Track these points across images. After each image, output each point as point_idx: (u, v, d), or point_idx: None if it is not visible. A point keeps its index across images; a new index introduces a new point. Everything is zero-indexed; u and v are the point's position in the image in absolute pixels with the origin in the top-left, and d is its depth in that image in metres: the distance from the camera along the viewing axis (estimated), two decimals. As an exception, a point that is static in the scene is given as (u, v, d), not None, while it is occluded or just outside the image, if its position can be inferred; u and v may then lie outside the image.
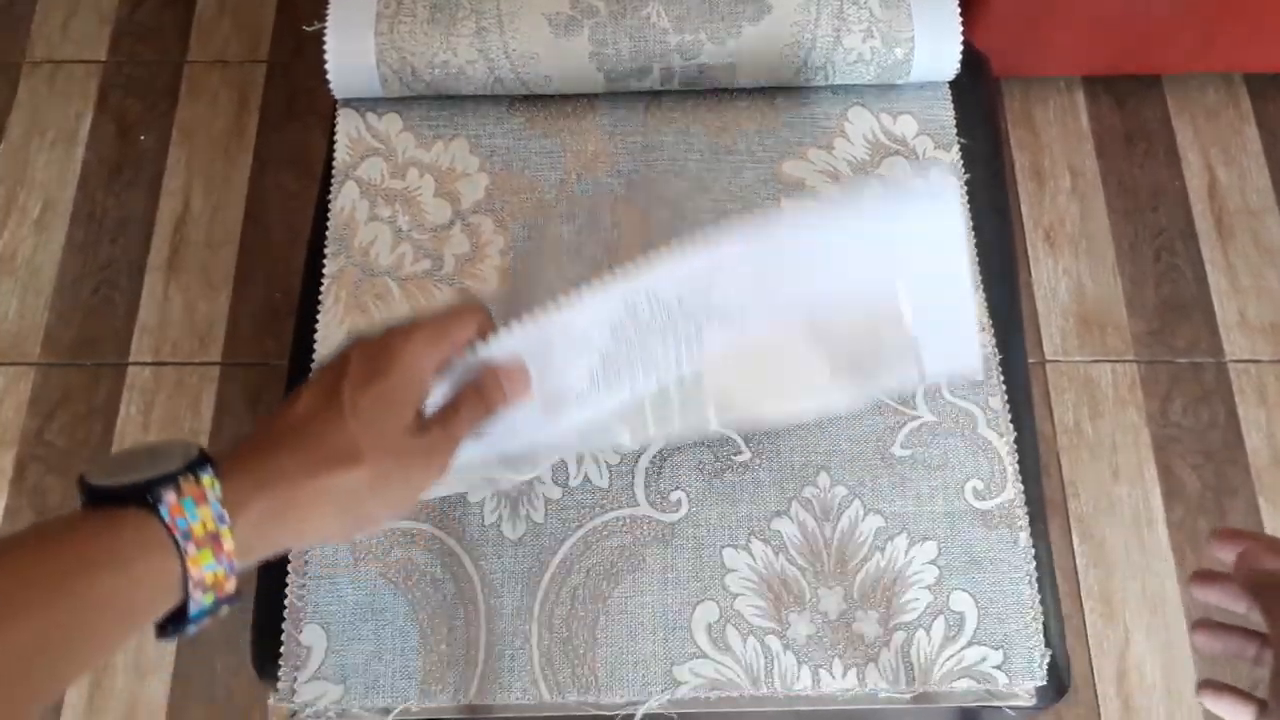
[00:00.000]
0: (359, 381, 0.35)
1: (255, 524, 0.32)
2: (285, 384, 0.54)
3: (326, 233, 0.53)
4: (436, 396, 0.38)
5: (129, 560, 0.29)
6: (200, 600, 0.31)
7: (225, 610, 0.33)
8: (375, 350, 0.36)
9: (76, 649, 0.29)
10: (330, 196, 0.54)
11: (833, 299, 0.41)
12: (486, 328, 0.38)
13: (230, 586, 0.32)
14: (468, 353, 0.38)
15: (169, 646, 0.88)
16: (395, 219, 0.53)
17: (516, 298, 0.46)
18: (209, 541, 0.31)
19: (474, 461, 0.40)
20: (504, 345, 0.38)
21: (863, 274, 0.41)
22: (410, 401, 0.36)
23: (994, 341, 0.51)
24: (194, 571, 0.30)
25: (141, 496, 0.30)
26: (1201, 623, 0.39)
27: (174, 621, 0.31)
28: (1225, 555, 0.37)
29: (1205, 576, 0.38)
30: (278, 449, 0.34)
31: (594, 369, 0.39)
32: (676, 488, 0.48)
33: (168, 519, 0.30)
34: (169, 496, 0.30)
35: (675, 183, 0.54)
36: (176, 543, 0.30)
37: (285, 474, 0.33)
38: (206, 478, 0.31)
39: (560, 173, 0.54)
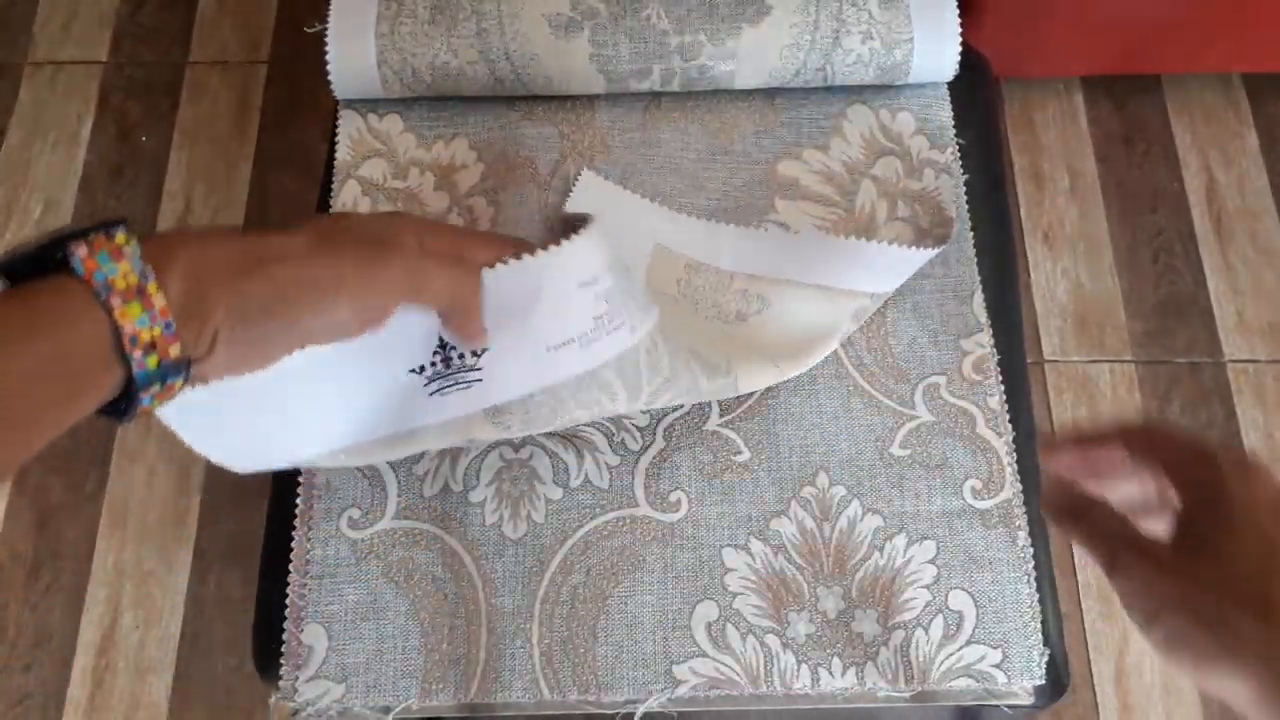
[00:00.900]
0: (334, 217, 0.36)
1: (184, 279, 0.30)
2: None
3: None
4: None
5: (55, 322, 0.28)
6: (143, 362, 0.29)
7: (181, 384, 0.31)
8: None
9: (20, 424, 0.28)
10: (331, 196, 0.54)
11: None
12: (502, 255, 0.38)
13: (174, 351, 0.30)
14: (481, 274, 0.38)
15: (170, 646, 0.88)
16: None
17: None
18: (135, 295, 0.29)
19: (459, 413, 0.40)
20: (513, 274, 0.38)
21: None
22: (375, 237, 0.35)
23: (992, 341, 0.51)
24: (125, 325, 0.29)
25: (51, 258, 0.29)
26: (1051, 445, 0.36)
27: (127, 397, 0.30)
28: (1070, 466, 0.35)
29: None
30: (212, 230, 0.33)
31: (600, 313, 0.40)
32: (676, 488, 0.48)
33: (81, 272, 0.28)
34: (79, 251, 0.29)
35: (670, 179, 0.54)
36: (98, 295, 0.28)
37: (216, 238, 0.32)
38: (120, 234, 0.29)
39: (555, 154, 0.54)
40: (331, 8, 0.54)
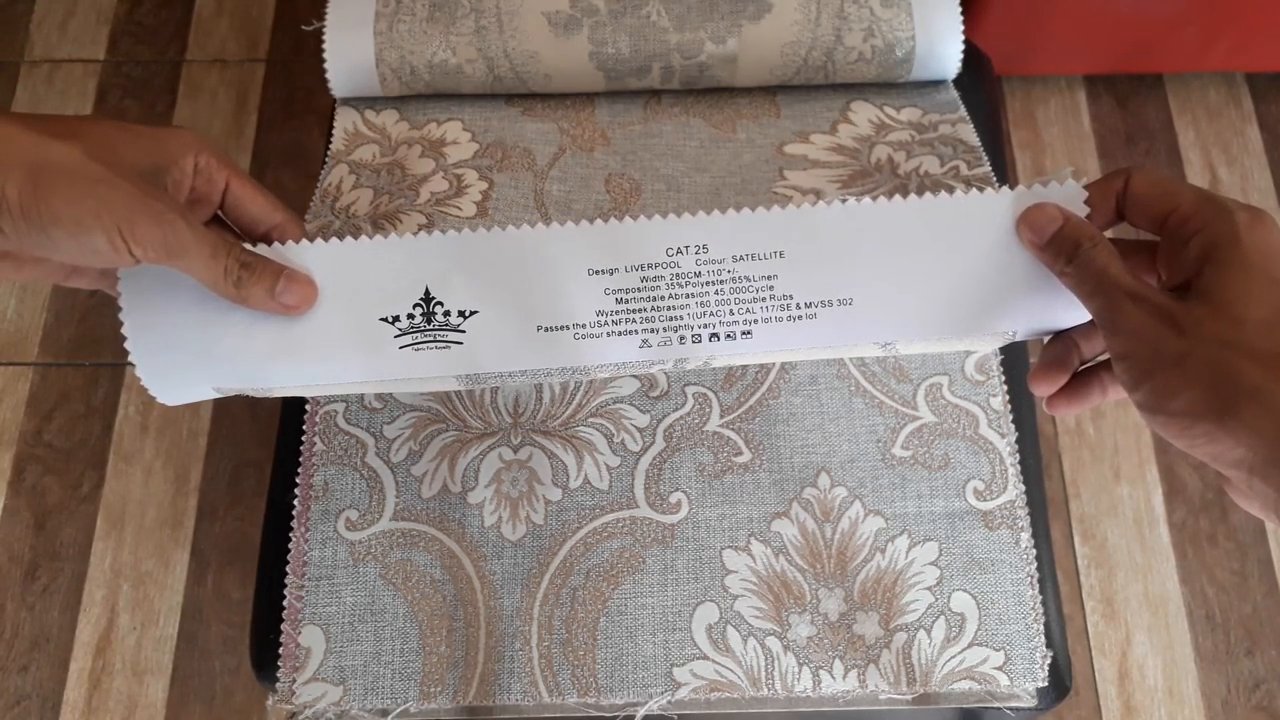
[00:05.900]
0: (113, 128, 0.34)
1: None
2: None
3: (311, 205, 0.52)
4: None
5: None
6: None
7: None
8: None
9: None
10: (321, 180, 0.54)
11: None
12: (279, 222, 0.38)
13: None
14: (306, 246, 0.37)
15: (168, 648, 0.88)
16: (378, 182, 0.52)
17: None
18: None
19: (430, 373, 0.38)
20: (499, 241, 0.37)
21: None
22: (152, 160, 0.34)
23: (995, 341, 0.51)
24: None
25: None
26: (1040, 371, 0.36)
27: None
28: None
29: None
30: None
31: (606, 309, 0.38)
32: (676, 489, 0.48)
33: None
34: None
35: (672, 163, 0.54)
36: None
37: None
38: None
39: (555, 148, 0.54)
40: (330, 5, 0.53)
